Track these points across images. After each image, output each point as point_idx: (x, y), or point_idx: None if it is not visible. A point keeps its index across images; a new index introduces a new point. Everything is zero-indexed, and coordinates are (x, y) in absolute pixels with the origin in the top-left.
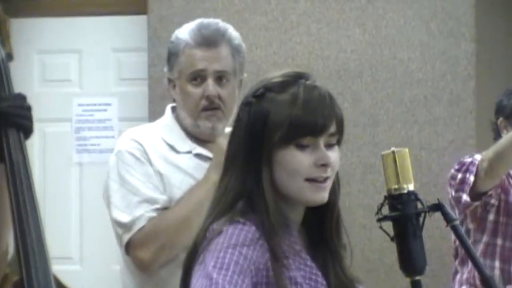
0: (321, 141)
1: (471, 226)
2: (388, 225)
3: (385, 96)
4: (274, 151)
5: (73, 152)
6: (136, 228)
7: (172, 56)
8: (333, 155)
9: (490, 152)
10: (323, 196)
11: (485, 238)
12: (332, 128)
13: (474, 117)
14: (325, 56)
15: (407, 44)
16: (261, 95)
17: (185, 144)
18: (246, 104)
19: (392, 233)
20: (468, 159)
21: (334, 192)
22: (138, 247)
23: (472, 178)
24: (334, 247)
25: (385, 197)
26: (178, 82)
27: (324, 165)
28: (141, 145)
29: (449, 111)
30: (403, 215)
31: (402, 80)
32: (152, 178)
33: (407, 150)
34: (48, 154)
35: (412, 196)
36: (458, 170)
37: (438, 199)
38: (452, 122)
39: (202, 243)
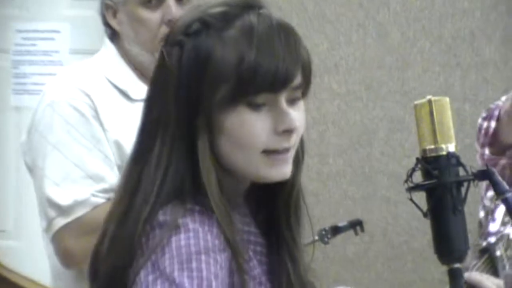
0: (283, 98)
1: None
2: (420, 197)
3: (418, 30)
4: (215, 114)
5: (10, 93)
6: (74, 215)
7: None
8: (298, 115)
9: None
10: (285, 171)
11: None
12: (297, 79)
13: None
14: None
15: None
16: (196, 32)
17: (140, 88)
18: (173, 45)
19: (425, 207)
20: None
21: (297, 160)
22: (70, 239)
23: (493, 125)
24: (289, 234)
25: (417, 160)
26: (123, 7)
27: (288, 131)
28: (88, 96)
29: (502, 52)
30: (441, 184)
31: (441, 10)
32: (101, 144)
33: (447, 99)
34: None
35: (452, 160)
36: (484, 119)
37: (486, 164)
38: (506, 66)
39: (141, 241)
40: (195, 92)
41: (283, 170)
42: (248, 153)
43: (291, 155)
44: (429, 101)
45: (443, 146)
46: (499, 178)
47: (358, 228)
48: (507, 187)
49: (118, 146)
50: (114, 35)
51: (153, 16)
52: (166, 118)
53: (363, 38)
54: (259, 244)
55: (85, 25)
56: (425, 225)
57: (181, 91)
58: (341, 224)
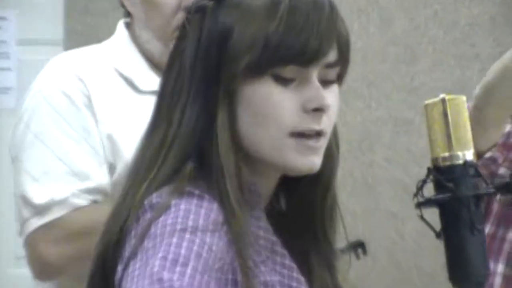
0: (314, 74)
1: None
2: (432, 213)
3: (430, 16)
4: (238, 84)
5: None
6: (51, 216)
7: None
8: (331, 96)
9: (477, 89)
10: (315, 161)
11: (488, 228)
12: (332, 55)
13: None
14: None
15: None
16: None
17: (149, 79)
18: (197, 11)
19: (437, 225)
20: None
21: (331, 157)
22: (45, 245)
23: None
24: (325, 241)
25: (429, 170)
26: None
27: (318, 110)
28: (82, 81)
29: None
30: (457, 198)
31: None
32: (92, 137)
33: (464, 98)
34: None
35: (470, 170)
36: None
37: (510, 175)
38: None
39: (132, 225)
40: (215, 59)
41: (312, 159)
42: (273, 133)
43: (322, 144)
44: (443, 100)
45: (459, 153)
46: None
47: (360, 250)
48: None
49: (111, 140)
50: (129, 16)
51: (168, 0)
52: (182, 92)
53: (365, 26)
54: (278, 254)
55: (36, 11)
56: (438, 245)
57: (201, 57)
58: (339, 247)
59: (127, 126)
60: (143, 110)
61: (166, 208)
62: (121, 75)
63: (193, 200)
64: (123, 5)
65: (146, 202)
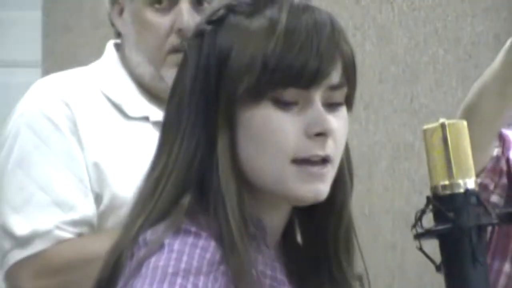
0: (317, 97)
1: None
2: (432, 245)
3: (430, 34)
4: (238, 109)
5: None
6: (33, 249)
7: None
8: (337, 121)
9: (459, 112)
10: (320, 189)
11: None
12: (335, 76)
13: None
14: None
15: None
16: (220, 19)
17: (139, 104)
18: (195, 36)
19: (438, 257)
20: None
21: (343, 184)
22: (26, 279)
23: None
24: (341, 276)
25: (428, 199)
26: (130, 5)
27: (322, 135)
28: (67, 105)
29: None
30: (458, 229)
31: (459, 9)
32: (76, 165)
33: (464, 123)
34: None
35: (472, 199)
36: None
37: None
38: None
39: (126, 262)
40: (214, 83)
41: (317, 187)
42: (274, 160)
43: (328, 170)
44: (442, 125)
45: (460, 181)
46: None
47: (358, 284)
48: None
49: (98, 169)
50: (119, 37)
51: (161, 21)
52: (181, 120)
53: (362, 43)
54: None
55: (10, 28)
56: (440, 279)
57: (199, 82)
58: None
59: (115, 154)
60: (132, 137)
61: (159, 246)
62: (109, 100)
63: (188, 239)
64: (113, 25)
65: (141, 238)
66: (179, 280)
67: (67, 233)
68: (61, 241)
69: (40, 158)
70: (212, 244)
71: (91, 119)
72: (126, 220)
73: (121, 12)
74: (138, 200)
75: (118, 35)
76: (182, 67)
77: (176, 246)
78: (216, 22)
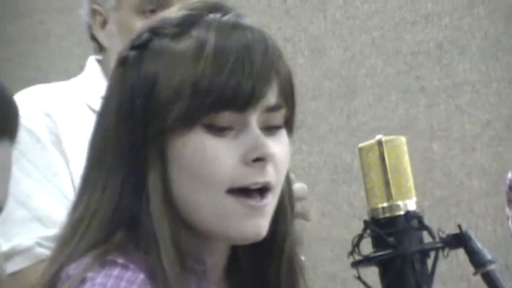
0: (253, 120)
1: None
2: (372, 273)
3: (367, 44)
4: (169, 140)
5: None
6: (13, 266)
7: None
8: (276, 145)
9: None
10: (260, 225)
11: None
12: (271, 97)
13: None
14: None
15: None
16: (143, 44)
17: None
18: (120, 64)
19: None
20: None
21: (283, 216)
22: None
23: None
24: None
25: (366, 223)
26: (115, 14)
27: (261, 160)
28: (50, 118)
29: (481, 70)
30: (399, 255)
31: (397, 16)
32: (59, 178)
33: (403, 139)
34: None
35: (413, 222)
36: None
37: (459, 226)
38: (487, 89)
39: None
40: (141, 115)
41: (257, 222)
42: (210, 191)
43: (268, 202)
44: (379, 142)
45: (400, 203)
46: (478, 245)
47: None
48: (488, 256)
49: None
50: (100, 52)
51: None
52: (108, 153)
53: (293, 56)
54: None
55: None
56: None
57: (124, 115)
58: None
59: None
60: None
61: (81, 281)
62: (94, 111)
63: (113, 272)
64: (94, 39)
65: (64, 273)
66: None
67: (48, 250)
68: (42, 260)
69: (18, 172)
70: (141, 277)
71: (75, 130)
72: (55, 250)
73: (103, 24)
74: (66, 232)
75: (99, 50)
76: (105, 100)
77: (99, 279)
78: (140, 47)
